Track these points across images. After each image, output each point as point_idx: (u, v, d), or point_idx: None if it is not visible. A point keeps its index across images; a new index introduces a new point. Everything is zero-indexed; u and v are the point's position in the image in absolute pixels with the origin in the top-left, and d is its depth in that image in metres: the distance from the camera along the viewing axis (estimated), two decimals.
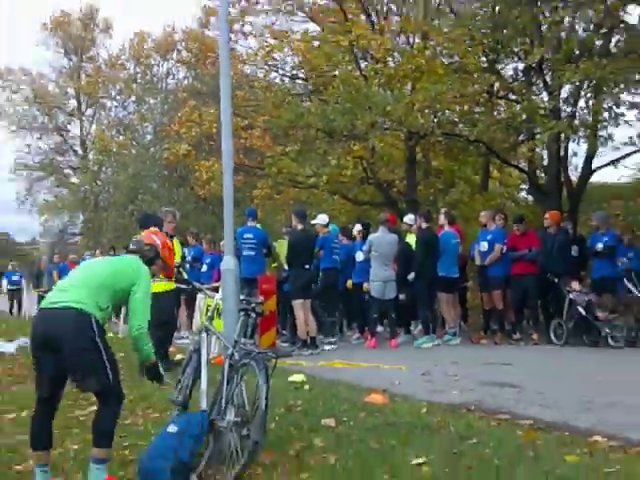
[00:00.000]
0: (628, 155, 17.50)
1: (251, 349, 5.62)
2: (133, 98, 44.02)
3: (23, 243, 54.41)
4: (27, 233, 52.76)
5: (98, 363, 4.65)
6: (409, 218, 13.08)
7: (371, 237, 12.01)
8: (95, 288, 4.83)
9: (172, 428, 5.06)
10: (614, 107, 15.54)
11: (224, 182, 9.61)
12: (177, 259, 9.47)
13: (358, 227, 13.67)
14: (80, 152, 46.27)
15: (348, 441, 5.43)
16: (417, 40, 18.79)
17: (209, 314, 6.56)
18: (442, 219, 12.66)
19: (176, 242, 10.34)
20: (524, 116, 15.04)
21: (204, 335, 6.02)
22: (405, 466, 4.74)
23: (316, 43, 19.45)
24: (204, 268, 14.17)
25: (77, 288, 4.80)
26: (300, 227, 11.65)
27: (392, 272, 11.76)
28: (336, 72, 18.74)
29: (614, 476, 4.33)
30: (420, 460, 4.78)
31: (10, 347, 14.06)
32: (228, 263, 9.23)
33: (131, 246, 5.51)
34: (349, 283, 12.91)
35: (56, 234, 46.13)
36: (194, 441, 4.96)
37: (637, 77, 14.94)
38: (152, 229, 6.31)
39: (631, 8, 14.27)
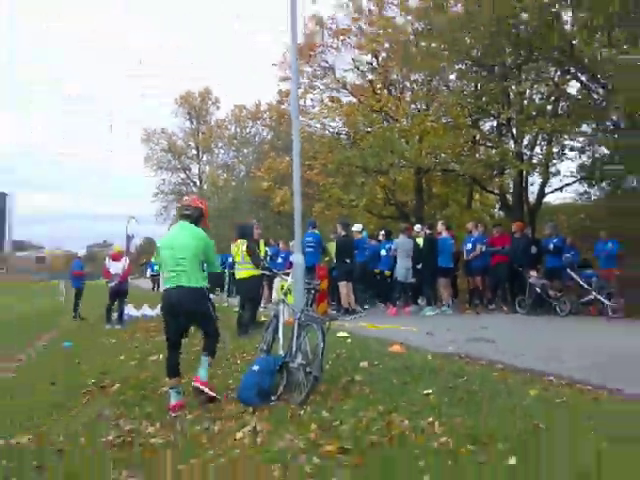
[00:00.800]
0: (569, 184, 17.24)
1: (313, 315, 5.63)
2: (233, 149, 44.85)
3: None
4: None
5: (211, 318, 5.14)
6: (417, 227, 13.08)
7: (397, 241, 12.07)
8: (195, 264, 4.99)
9: (254, 367, 5.13)
10: (560, 150, 15.21)
11: (295, 204, 9.60)
12: (262, 254, 9.54)
13: (382, 233, 13.67)
14: (198, 184, 47.21)
15: (378, 378, 5.39)
16: (423, 106, 18.69)
17: (284, 291, 6.59)
18: (440, 228, 12.53)
19: (262, 243, 10.42)
20: (497, 158, 14.82)
21: (281, 305, 6.05)
22: (417, 395, 4.69)
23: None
24: (279, 260, 14.29)
25: (185, 273, 4.93)
26: (343, 233, 11.64)
27: (410, 263, 11.71)
28: (369, 129, 18.78)
29: (563, 405, 4.22)
30: (428, 391, 4.73)
31: (153, 312, 14.38)
32: (297, 258, 9.24)
33: (184, 211, 5.27)
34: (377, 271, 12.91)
35: None
36: (271, 375, 5.02)
37: (575, 129, 14.59)
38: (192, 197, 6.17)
39: (572, 83, 13.96)
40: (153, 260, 28.13)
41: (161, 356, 7.71)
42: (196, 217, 5.19)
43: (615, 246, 11.24)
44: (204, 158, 47.75)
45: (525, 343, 7.30)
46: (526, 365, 5.73)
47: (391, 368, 5.70)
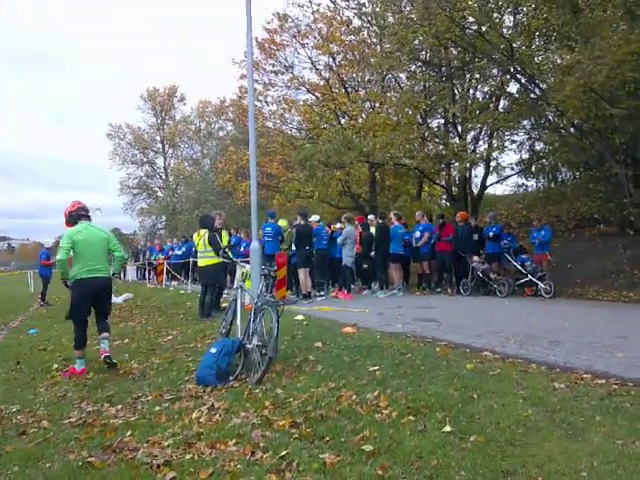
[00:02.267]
0: (509, 177, 17.80)
1: (268, 299, 5.62)
2: (198, 143, 44.20)
3: (127, 234, 54.42)
4: (129, 228, 52.82)
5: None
6: (371, 217, 13.15)
7: (344, 230, 12.02)
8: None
9: (213, 349, 5.11)
10: (501, 144, 15.60)
11: (251, 196, 9.53)
12: (224, 243, 9.44)
13: (338, 225, 13.69)
14: (163, 177, 46.23)
15: (330, 356, 5.43)
16: (377, 104, 18.77)
17: (242, 277, 6.54)
18: (392, 217, 12.66)
19: (224, 232, 10.29)
20: (449, 153, 15.05)
21: (239, 291, 6.01)
22: (365, 371, 4.76)
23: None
24: (241, 249, 14.20)
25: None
26: (303, 222, 11.61)
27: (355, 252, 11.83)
28: (324, 125, 18.81)
29: (496, 376, 4.35)
30: (375, 367, 4.79)
31: (119, 299, 14.07)
32: (254, 246, 9.19)
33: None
34: None
35: (148, 229, 46.40)
36: (228, 356, 5.00)
37: (515, 125, 14.99)
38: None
39: (512, 83, 14.30)
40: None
41: (126, 340, 7.59)
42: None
43: (547, 233, 11.61)
44: (169, 151, 46.70)
45: (466, 322, 7.44)
46: (466, 342, 5.86)
47: (343, 347, 5.75)
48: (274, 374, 4.94)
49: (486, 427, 3.24)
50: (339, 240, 12.04)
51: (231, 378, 4.94)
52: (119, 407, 4.46)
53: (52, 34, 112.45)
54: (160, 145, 46.42)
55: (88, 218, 6.16)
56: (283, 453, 3.14)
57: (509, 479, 2.60)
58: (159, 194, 46.00)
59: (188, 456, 3.25)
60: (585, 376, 4.21)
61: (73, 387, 5.18)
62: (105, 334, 5.97)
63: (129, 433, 3.75)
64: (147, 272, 23.17)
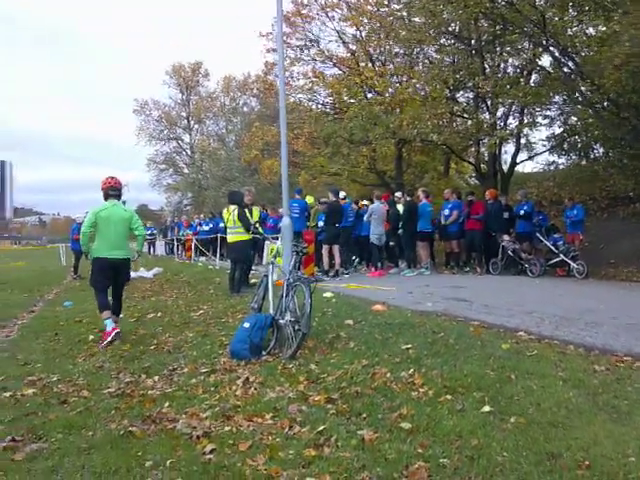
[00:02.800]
0: (539, 154, 17.38)
1: (300, 275, 5.61)
2: (223, 119, 44.12)
3: (155, 210, 55.10)
4: (157, 204, 53.49)
5: None
6: (398, 194, 13.01)
7: (371, 206, 11.92)
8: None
9: (246, 324, 5.12)
10: (532, 120, 15.19)
11: (282, 170, 9.45)
12: (255, 219, 9.45)
13: (365, 201, 13.59)
14: (189, 153, 46.43)
15: (361, 334, 5.42)
16: (404, 79, 18.39)
17: (273, 254, 6.52)
18: (420, 194, 12.47)
19: (255, 208, 10.31)
20: (474, 130, 14.71)
21: (270, 267, 6.01)
22: (398, 349, 4.73)
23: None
24: (269, 225, 14.21)
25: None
26: (334, 199, 11.55)
27: (384, 229, 11.67)
28: (352, 100, 18.51)
29: (533, 357, 4.27)
30: (408, 346, 4.75)
31: (149, 274, 14.28)
32: (285, 222, 9.12)
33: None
34: None
35: (174, 205, 46.85)
36: (261, 331, 5.02)
37: (547, 101, 14.54)
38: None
39: (544, 56, 13.78)
40: (149, 224, 28.07)
41: (159, 314, 7.71)
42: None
43: (580, 212, 11.31)
44: (195, 127, 46.77)
45: (498, 301, 7.35)
46: (499, 322, 5.79)
47: (374, 325, 5.73)
48: (307, 350, 4.95)
49: (526, 408, 3.18)
50: (365, 217, 11.95)
51: (264, 353, 4.97)
52: (156, 379, 4.52)
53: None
54: (186, 121, 46.56)
55: (118, 197, 6.41)
56: (320, 428, 3.14)
57: (554, 462, 2.54)
58: (185, 170, 46.31)
59: (227, 428, 3.27)
60: (626, 358, 4.10)
61: (110, 358, 5.27)
62: (116, 317, 6.32)
63: (167, 404, 3.80)
64: (175, 247, 23.49)
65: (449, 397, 3.46)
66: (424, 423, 3.10)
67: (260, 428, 3.25)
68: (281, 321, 5.10)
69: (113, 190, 6.34)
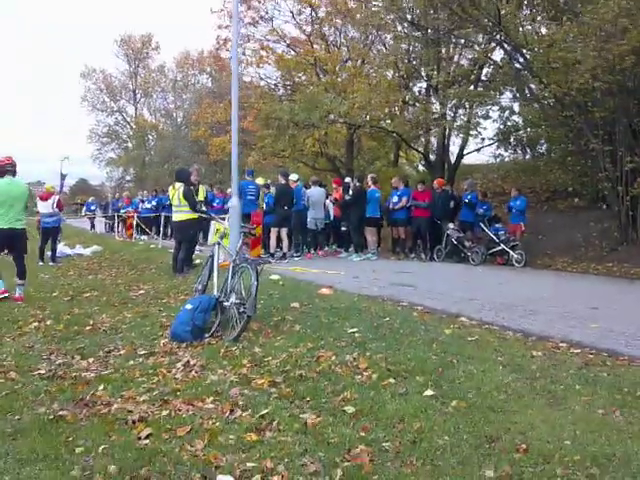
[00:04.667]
0: (486, 146, 17.80)
1: (246, 257, 5.49)
2: (172, 95, 42.82)
3: (96, 185, 52.84)
4: (98, 179, 51.22)
5: None
6: (347, 179, 13.02)
7: (309, 191, 11.94)
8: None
9: (188, 305, 4.98)
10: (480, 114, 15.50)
11: (232, 151, 9.27)
12: (200, 198, 9.18)
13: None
14: (134, 127, 44.72)
15: (307, 317, 5.38)
16: (358, 62, 18.36)
17: (220, 234, 6.34)
18: (369, 181, 12.51)
19: (201, 187, 10.00)
20: (421, 116, 14.88)
21: (216, 247, 5.84)
22: (343, 332, 4.72)
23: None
24: (215, 205, 13.91)
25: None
26: (284, 182, 11.39)
27: (322, 214, 11.77)
28: (301, 77, 18.31)
29: (474, 342, 4.36)
30: (353, 329, 4.76)
31: (86, 251, 13.70)
32: (234, 202, 8.97)
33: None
34: None
35: (116, 180, 45.23)
36: (204, 313, 4.90)
37: (496, 96, 14.87)
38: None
39: (497, 51, 14.10)
40: (90, 200, 26.88)
41: (96, 293, 7.37)
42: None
43: (522, 203, 11.71)
44: (141, 100, 45.03)
45: (442, 288, 7.50)
46: (442, 307, 5.90)
47: (320, 308, 5.70)
48: (251, 333, 4.85)
49: (467, 392, 3.24)
50: (304, 201, 11.91)
51: (207, 335, 4.83)
52: (90, 360, 4.31)
53: None
54: (132, 94, 44.75)
55: (13, 174, 6.92)
56: (263, 412, 3.08)
57: (493, 445, 2.59)
58: (129, 145, 44.62)
59: (165, 412, 3.15)
60: (561, 345, 4.27)
61: (41, 339, 4.99)
62: (20, 281, 6.95)
63: (102, 387, 3.63)
64: (116, 225, 22.59)
65: (392, 381, 3.48)
66: (367, 407, 3.09)
67: (200, 412, 3.15)
68: (225, 303, 4.97)
69: (11, 166, 6.87)
